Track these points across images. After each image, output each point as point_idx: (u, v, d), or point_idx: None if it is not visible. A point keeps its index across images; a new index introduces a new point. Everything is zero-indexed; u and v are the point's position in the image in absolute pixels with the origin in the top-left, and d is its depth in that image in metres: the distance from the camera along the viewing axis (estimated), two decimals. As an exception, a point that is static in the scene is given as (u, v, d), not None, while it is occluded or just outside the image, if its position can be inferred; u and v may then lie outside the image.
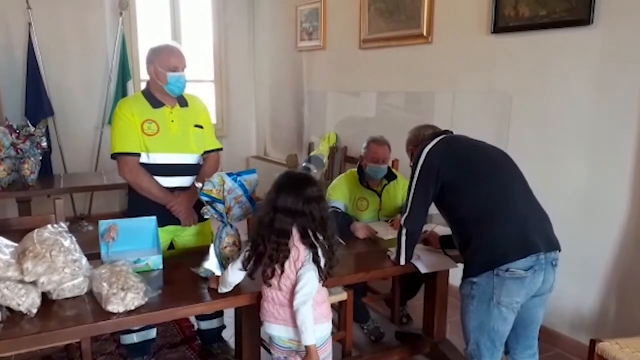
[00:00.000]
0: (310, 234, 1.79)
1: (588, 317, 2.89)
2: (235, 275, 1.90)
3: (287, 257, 1.77)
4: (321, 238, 1.81)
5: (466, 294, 1.98)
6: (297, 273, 1.78)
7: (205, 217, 2.10)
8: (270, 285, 1.83)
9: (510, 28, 3.14)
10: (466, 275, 1.99)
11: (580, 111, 2.84)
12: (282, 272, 1.78)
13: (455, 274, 2.16)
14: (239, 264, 1.88)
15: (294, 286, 1.78)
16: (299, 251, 1.79)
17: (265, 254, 1.79)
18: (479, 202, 1.98)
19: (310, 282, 1.78)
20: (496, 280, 1.90)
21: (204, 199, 2.03)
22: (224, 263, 2.09)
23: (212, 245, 2.23)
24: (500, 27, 3.19)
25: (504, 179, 2.03)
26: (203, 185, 2.01)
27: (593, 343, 2.17)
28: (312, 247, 1.79)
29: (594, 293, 2.85)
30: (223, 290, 1.94)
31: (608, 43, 2.68)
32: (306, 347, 1.79)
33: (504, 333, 1.97)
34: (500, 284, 1.89)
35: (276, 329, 1.87)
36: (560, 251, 1.98)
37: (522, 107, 3.09)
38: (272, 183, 1.84)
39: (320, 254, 1.79)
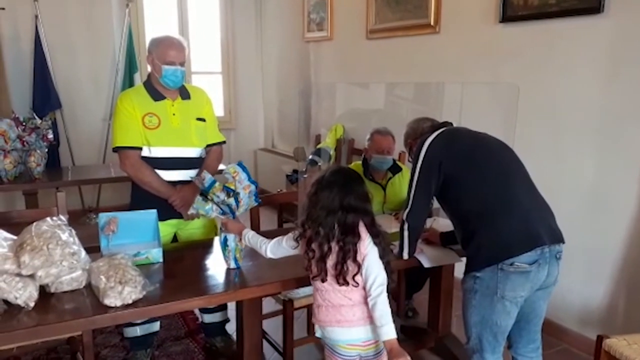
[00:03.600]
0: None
1: (596, 313, 2.84)
2: (280, 250, 1.93)
3: (357, 252, 1.73)
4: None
5: (469, 288, 1.95)
6: (362, 265, 1.74)
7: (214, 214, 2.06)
8: (346, 284, 1.74)
9: (518, 17, 3.08)
10: (469, 270, 1.96)
11: (588, 102, 2.78)
12: (359, 268, 1.72)
13: (461, 268, 2.13)
14: (289, 241, 1.88)
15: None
16: (364, 243, 1.75)
17: (329, 254, 1.74)
18: (481, 195, 1.93)
19: (381, 271, 1.74)
20: (500, 274, 1.86)
21: (227, 191, 2.02)
22: (226, 255, 2.08)
23: (217, 238, 2.21)
24: (508, 16, 3.13)
25: (506, 171, 1.99)
26: (204, 178, 2.01)
27: (600, 338, 2.14)
28: (376, 238, 1.76)
29: (602, 288, 2.80)
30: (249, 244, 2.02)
31: (618, 32, 2.62)
32: (386, 342, 1.69)
33: (506, 327, 1.94)
34: (504, 278, 1.86)
35: (340, 332, 1.79)
36: (563, 243, 1.94)
37: (529, 99, 3.03)
38: (323, 181, 1.78)
39: (382, 243, 1.77)
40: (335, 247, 1.73)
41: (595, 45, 2.72)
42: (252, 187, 2.07)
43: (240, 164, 2.08)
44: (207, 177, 2.03)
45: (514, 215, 1.89)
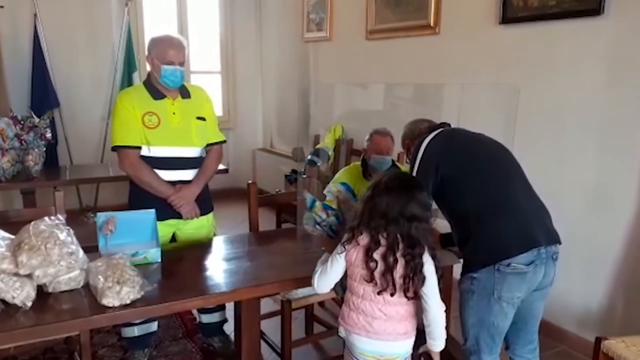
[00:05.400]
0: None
1: (595, 314, 2.84)
2: (327, 281, 1.79)
3: (423, 265, 1.66)
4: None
5: (465, 289, 1.94)
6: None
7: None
8: (415, 297, 1.71)
9: (518, 18, 3.09)
10: (466, 271, 1.95)
11: (589, 104, 2.78)
12: (424, 281, 1.67)
13: (459, 269, 2.12)
14: (339, 247, 1.75)
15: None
16: (425, 254, 1.70)
17: (395, 265, 1.65)
18: (478, 196, 1.93)
19: (438, 296, 1.73)
20: (497, 275, 1.86)
21: (325, 209, 2.06)
22: None
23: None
24: (508, 17, 3.14)
25: (503, 172, 1.99)
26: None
27: (598, 340, 2.15)
28: (432, 250, 1.71)
29: (601, 290, 2.80)
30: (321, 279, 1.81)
31: (619, 33, 2.62)
32: (436, 352, 1.79)
33: (503, 328, 1.94)
34: (501, 279, 1.86)
35: (366, 342, 1.75)
36: (560, 244, 1.94)
37: (529, 100, 3.03)
38: (381, 184, 1.70)
39: (437, 255, 1.73)
40: (401, 259, 1.66)
41: (596, 47, 2.72)
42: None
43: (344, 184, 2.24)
44: (308, 197, 2.06)
45: (510, 216, 1.89)
